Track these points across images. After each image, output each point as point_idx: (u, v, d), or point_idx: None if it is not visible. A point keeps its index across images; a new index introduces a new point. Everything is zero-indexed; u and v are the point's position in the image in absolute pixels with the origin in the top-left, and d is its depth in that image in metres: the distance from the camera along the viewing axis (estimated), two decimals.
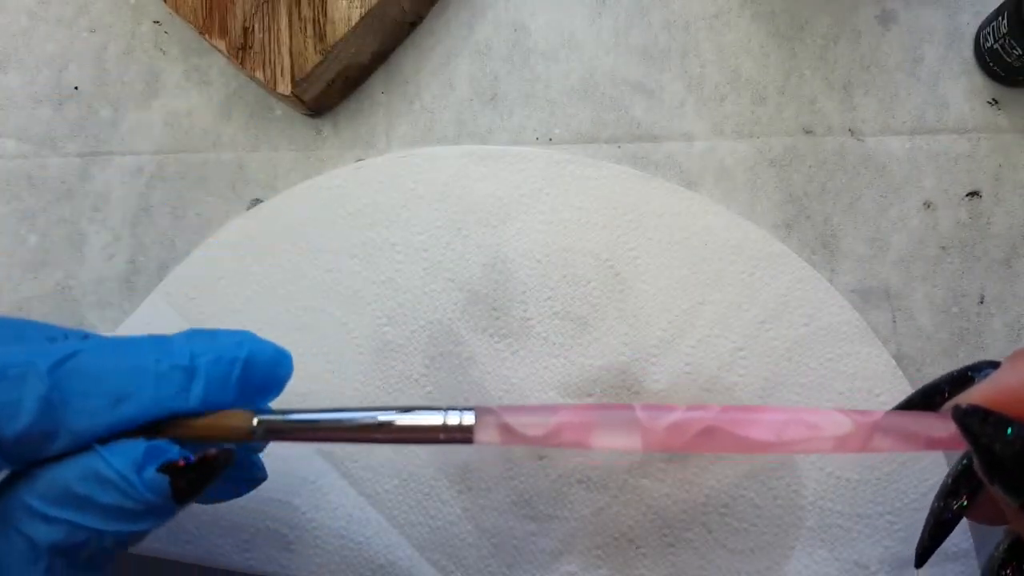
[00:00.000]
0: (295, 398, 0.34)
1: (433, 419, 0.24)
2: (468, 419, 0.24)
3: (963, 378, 0.26)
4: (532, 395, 0.33)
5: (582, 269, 0.34)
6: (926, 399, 0.27)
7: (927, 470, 0.31)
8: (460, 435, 0.24)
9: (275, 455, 0.33)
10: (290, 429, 0.23)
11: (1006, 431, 0.22)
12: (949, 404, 0.26)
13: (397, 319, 0.34)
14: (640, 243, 0.34)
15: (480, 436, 0.24)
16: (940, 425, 0.25)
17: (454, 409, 0.24)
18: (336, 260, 0.35)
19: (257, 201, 0.36)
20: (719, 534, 0.32)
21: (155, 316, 0.35)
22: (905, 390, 0.32)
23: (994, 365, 0.26)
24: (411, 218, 0.35)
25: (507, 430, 0.25)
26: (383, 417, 0.24)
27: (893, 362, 0.32)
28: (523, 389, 0.33)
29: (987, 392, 0.24)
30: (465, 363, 0.34)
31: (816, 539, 0.32)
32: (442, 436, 0.24)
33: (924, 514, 0.31)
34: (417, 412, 0.24)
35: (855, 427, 0.25)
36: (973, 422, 0.23)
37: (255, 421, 0.23)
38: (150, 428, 0.22)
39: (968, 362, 0.32)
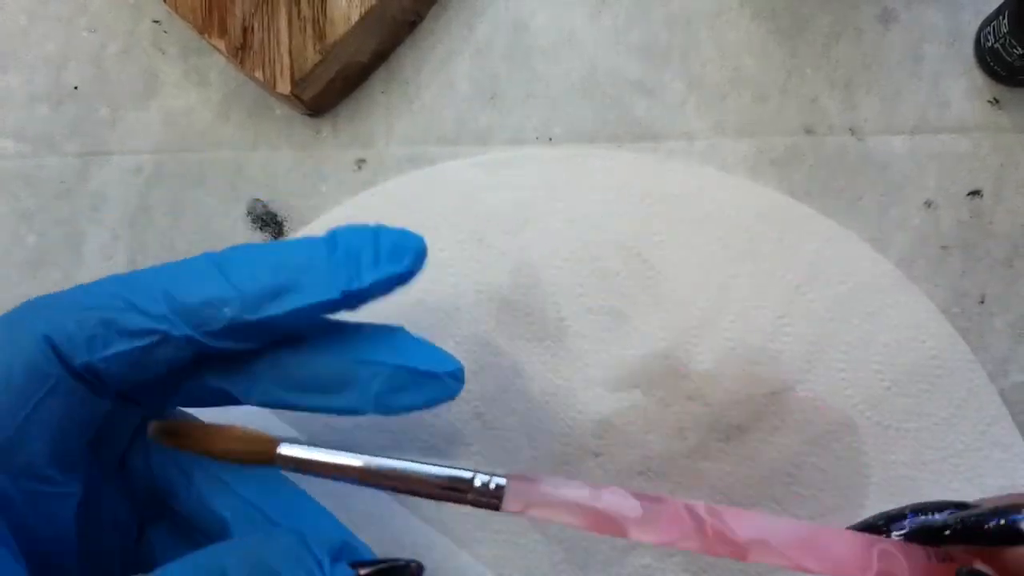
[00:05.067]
0: (336, 434, 0.33)
1: (463, 474, 0.22)
2: (499, 482, 0.22)
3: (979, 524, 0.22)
4: (578, 395, 0.33)
5: (609, 261, 0.34)
6: (965, 534, 0.22)
7: (983, 410, 0.32)
8: (487, 500, 0.23)
9: (326, 491, 0.32)
10: (311, 464, 0.22)
11: None
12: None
13: (433, 339, 0.34)
14: (663, 226, 0.34)
15: (509, 505, 0.23)
16: None
17: (483, 472, 0.22)
18: None
19: (257, 201, 0.36)
20: (787, 504, 0.32)
21: None
22: (950, 333, 0.32)
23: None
24: (431, 236, 0.34)
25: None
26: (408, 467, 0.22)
27: (934, 307, 0.32)
28: (568, 390, 0.33)
29: None
30: (507, 373, 0.33)
31: (884, 493, 0.31)
32: (469, 497, 0.23)
33: (985, 454, 0.31)
34: (440, 468, 0.22)
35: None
36: None
37: (280, 450, 0.22)
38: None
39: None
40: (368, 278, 0.23)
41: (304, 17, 0.33)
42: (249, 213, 0.36)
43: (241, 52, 0.33)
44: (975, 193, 0.34)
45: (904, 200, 0.34)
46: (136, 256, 0.36)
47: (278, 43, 0.33)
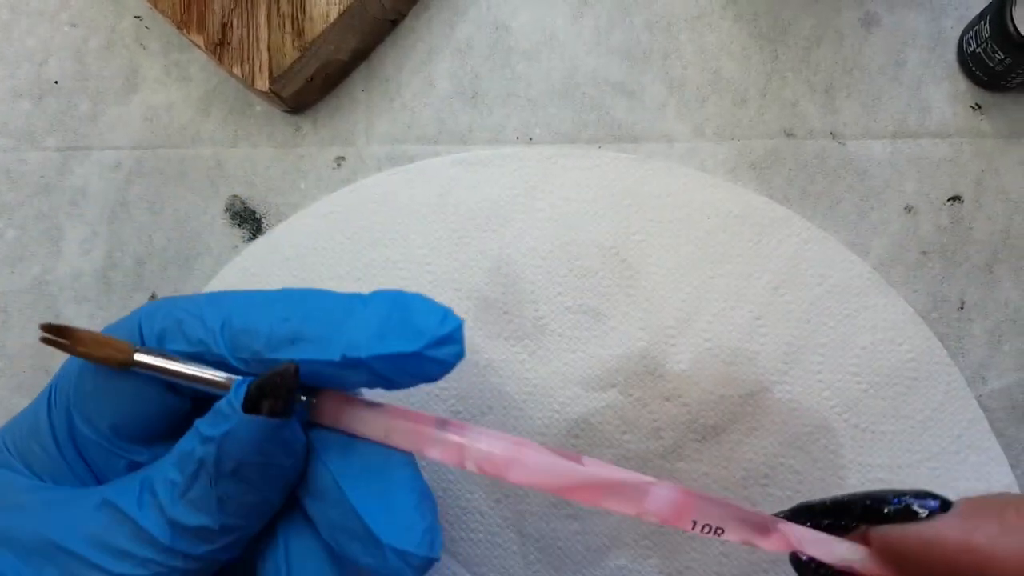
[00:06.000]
0: None
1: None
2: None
3: (878, 506, 0.23)
4: (555, 394, 0.33)
5: (588, 260, 0.34)
6: (836, 511, 0.24)
7: (959, 414, 0.32)
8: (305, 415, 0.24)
9: None
10: (163, 370, 0.23)
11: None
12: (864, 531, 0.24)
13: None
14: (642, 226, 0.34)
15: (314, 417, 0.24)
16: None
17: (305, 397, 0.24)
18: (340, 286, 0.34)
19: (235, 198, 0.36)
20: (763, 506, 0.32)
21: None
22: (927, 336, 0.32)
23: (920, 496, 0.23)
24: (410, 234, 0.34)
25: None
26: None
27: (911, 310, 0.32)
28: (545, 389, 0.33)
29: (917, 539, 0.22)
30: (484, 371, 0.33)
31: None
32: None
33: (961, 457, 0.32)
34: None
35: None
36: (806, 572, 0.23)
37: (136, 356, 0.23)
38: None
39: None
40: (368, 350, 0.22)
41: (283, 14, 0.33)
42: (227, 210, 0.36)
43: (220, 48, 0.33)
44: (955, 199, 0.33)
45: (884, 205, 0.34)
46: (114, 252, 0.36)
47: (257, 39, 0.33)
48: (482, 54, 0.36)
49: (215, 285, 0.35)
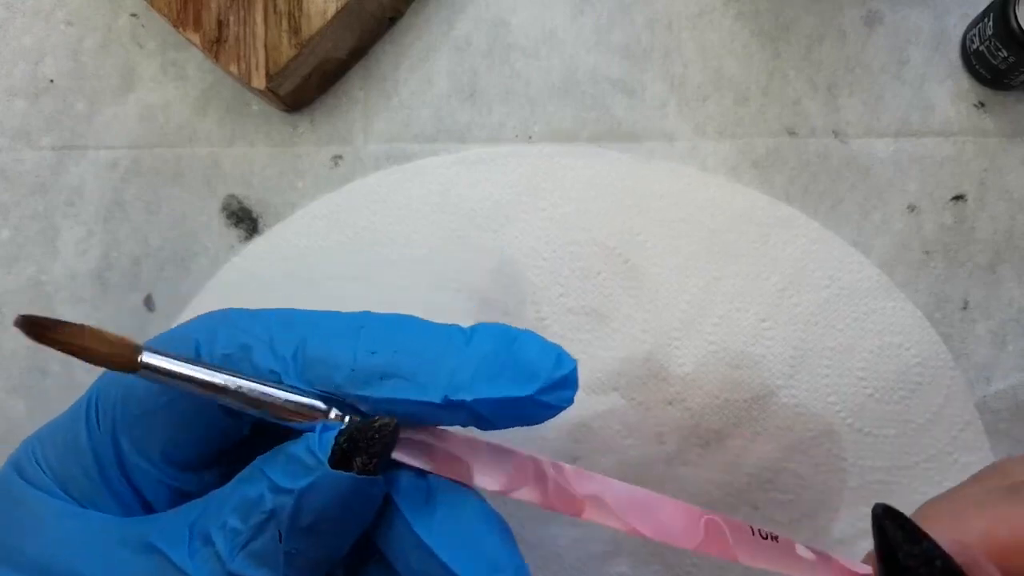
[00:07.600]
0: None
1: (317, 404, 0.21)
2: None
3: None
4: None
5: (590, 261, 0.33)
6: None
7: (956, 416, 0.32)
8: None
9: None
10: (174, 375, 0.20)
11: (919, 543, 0.20)
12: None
13: None
14: (645, 226, 0.33)
15: None
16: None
17: (338, 410, 0.21)
18: (340, 286, 0.34)
19: (232, 197, 0.36)
20: (766, 510, 0.32)
21: None
22: (934, 340, 0.32)
23: None
24: (410, 233, 0.34)
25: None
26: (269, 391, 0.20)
27: (920, 313, 0.32)
28: None
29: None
30: None
31: (859, 497, 0.31)
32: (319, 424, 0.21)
33: (955, 458, 0.32)
34: (300, 395, 0.21)
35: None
36: (889, 525, 0.20)
37: (143, 358, 0.19)
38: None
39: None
40: (474, 392, 0.20)
41: (280, 11, 0.32)
42: (224, 209, 0.36)
43: (216, 46, 0.33)
44: (959, 198, 0.33)
45: (886, 204, 0.33)
46: (110, 252, 0.36)
47: (254, 37, 0.33)
48: (481, 51, 0.35)
49: (213, 285, 0.35)
